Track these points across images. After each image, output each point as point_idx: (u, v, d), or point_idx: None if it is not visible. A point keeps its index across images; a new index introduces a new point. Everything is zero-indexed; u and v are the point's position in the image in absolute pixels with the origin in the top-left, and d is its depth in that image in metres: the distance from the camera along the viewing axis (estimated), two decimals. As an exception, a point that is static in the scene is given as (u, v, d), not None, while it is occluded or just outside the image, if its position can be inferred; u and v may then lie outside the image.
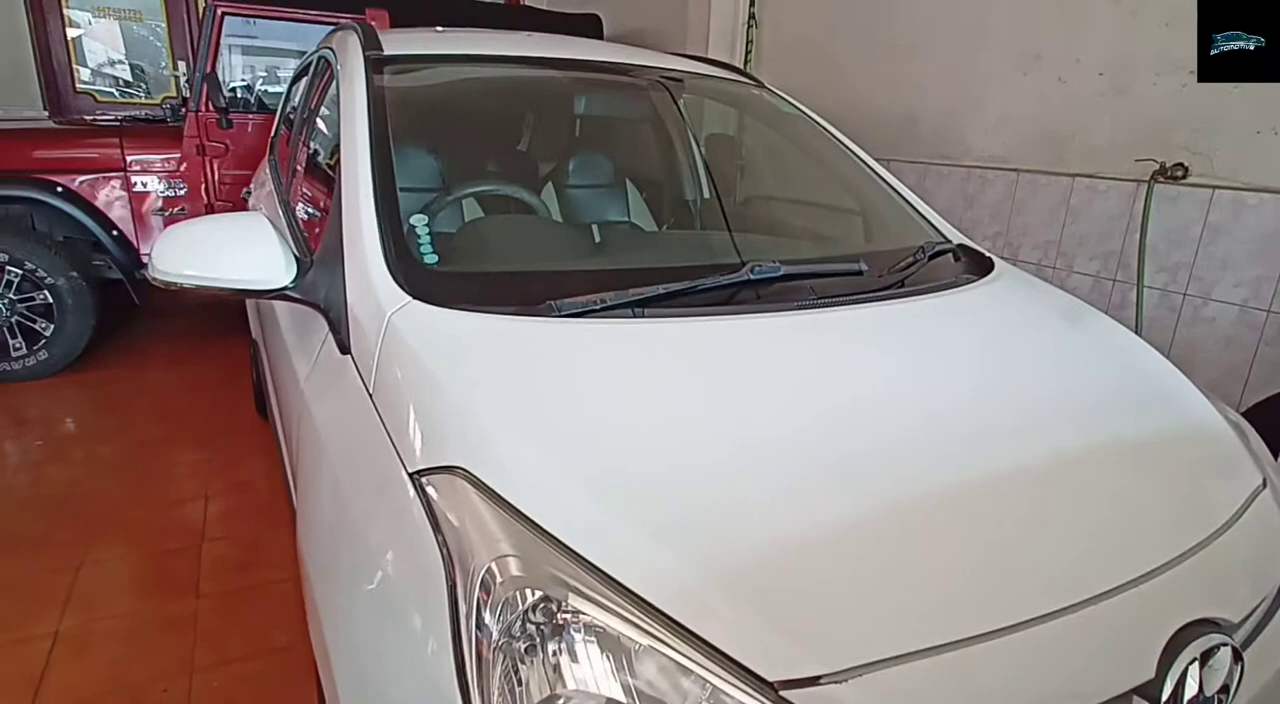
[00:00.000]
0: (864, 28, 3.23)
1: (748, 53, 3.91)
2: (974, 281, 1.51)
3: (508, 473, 0.85)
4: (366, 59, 1.63)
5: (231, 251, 1.27)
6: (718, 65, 2.31)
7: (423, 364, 1.00)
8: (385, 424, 0.98)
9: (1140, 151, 2.25)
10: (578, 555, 0.76)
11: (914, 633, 0.75)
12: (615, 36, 4.69)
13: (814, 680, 0.70)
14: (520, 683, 0.73)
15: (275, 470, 2.69)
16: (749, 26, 3.89)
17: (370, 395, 1.04)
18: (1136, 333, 2.14)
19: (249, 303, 2.92)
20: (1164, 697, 0.79)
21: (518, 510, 0.81)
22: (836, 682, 0.70)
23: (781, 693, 0.69)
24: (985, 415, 1.06)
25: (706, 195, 2.39)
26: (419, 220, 1.31)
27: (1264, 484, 1.12)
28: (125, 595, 2.06)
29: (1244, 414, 1.86)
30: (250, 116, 3.88)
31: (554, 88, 2.15)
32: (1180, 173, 2.17)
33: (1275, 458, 1.79)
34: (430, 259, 1.26)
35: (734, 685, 0.69)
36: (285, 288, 1.28)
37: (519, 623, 0.75)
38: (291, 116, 2.59)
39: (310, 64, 2.40)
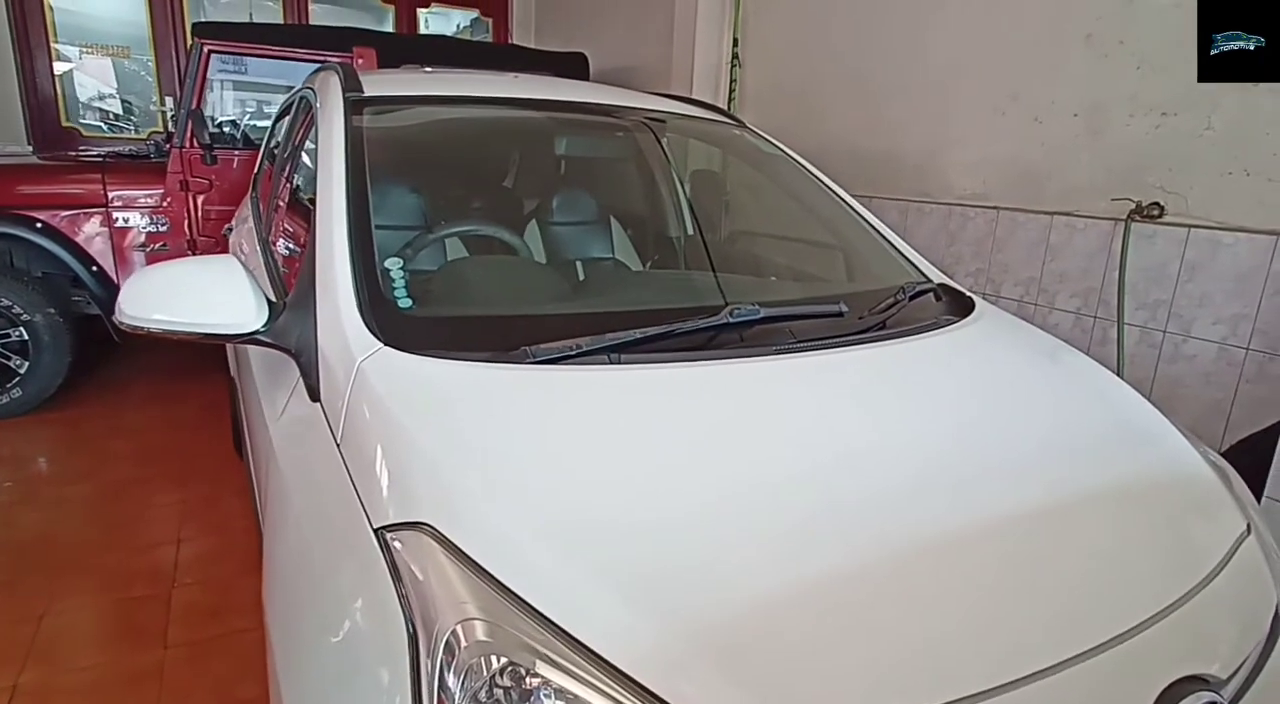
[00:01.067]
0: (844, 69, 3.29)
1: (731, 93, 3.96)
2: (955, 322, 1.50)
3: (476, 530, 0.82)
4: (346, 100, 1.63)
5: (201, 296, 1.24)
6: (700, 106, 2.33)
7: (391, 414, 0.98)
8: (352, 476, 0.95)
9: (1116, 191, 2.27)
10: (546, 619, 0.74)
11: (891, 699, 0.72)
12: (601, 74, 4.75)
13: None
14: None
15: (251, 512, 2.63)
16: (732, 67, 3.95)
17: (338, 445, 1.02)
18: (1118, 370, 2.15)
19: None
20: (1155, 760, 0.77)
21: (485, 571, 0.78)
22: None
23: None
24: (966, 465, 1.04)
25: (690, 232, 2.40)
26: (394, 264, 1.29)
27: (1248, 530, 1.10)
28: (89, 646, 1.98)
29: (1225, 452, 1.86)
30: (235, 152, 3.88)
31: (538, 128, 2.16)
32: (1156, 212, 2.19)
33: (1259, 497, 1.79)
34: (404, 303, 1.24)
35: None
36: (256, 332, 1.25)
37: (485, 689, 0.72)
38: (274, 154, 2.58)
39: (293, 103, 2.41)
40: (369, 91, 1.70)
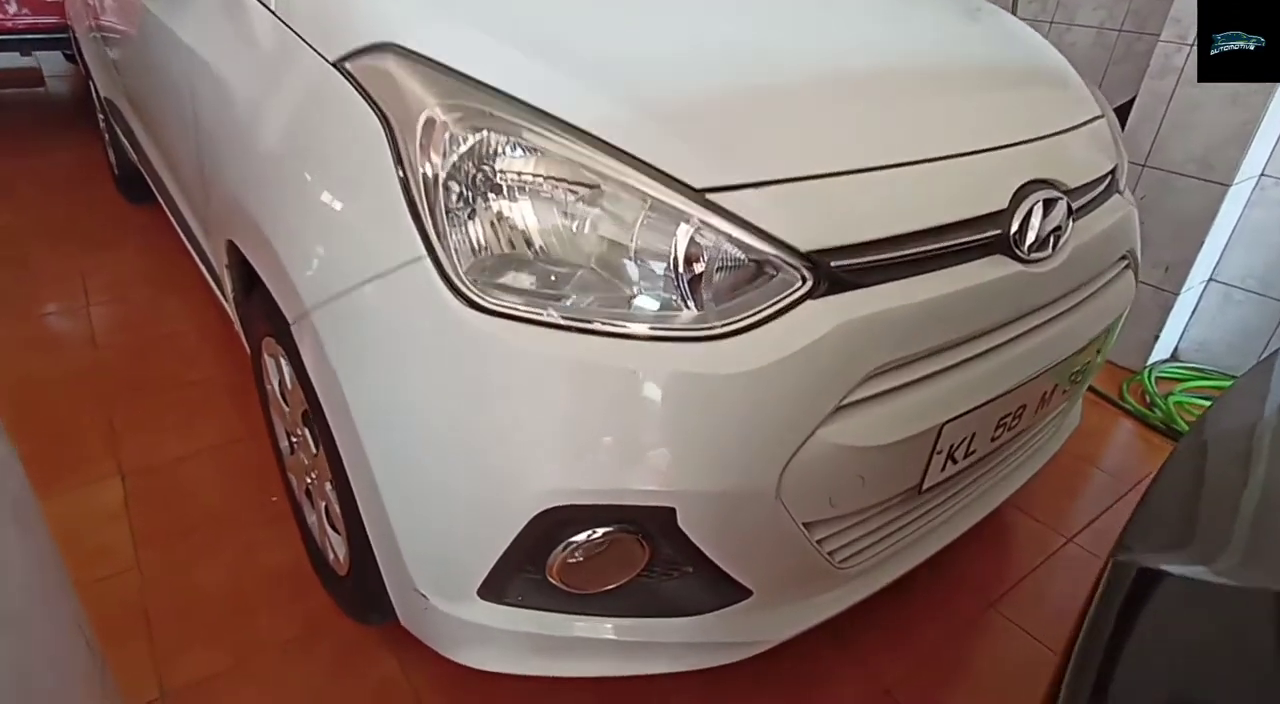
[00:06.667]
0: None
1: None
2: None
3: (437, 42, 0.85)
4: None
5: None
6: None
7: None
8: (295, 29, 0.95)
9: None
10: (514, 98, 0.80)
11: (816, 162, 0.86)
12: None
13: (732, 188, 0.80)
14: (470, 218, 0.79)
15: (156, 243, 2.54)
16: None
17: (272, 11, 1.00)
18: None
19: (94, 58, 2.59)
20: (1014, 226, 0.96)
21: (454, 70, 0.83)
22: (752, 187, 0.81)
23: (707, 196, 0.79)
24: (895, 39, 1.14)
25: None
26: None
27: (1102, 115, 1.29)
28: (7, 352, 1.96)
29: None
30: None
31: None
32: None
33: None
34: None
35: (668, 194, 0.78)
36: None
37: (465, 161, 0.79)
38: None
39: None
40: None
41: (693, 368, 0.77)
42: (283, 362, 1.12)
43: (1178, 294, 2.04)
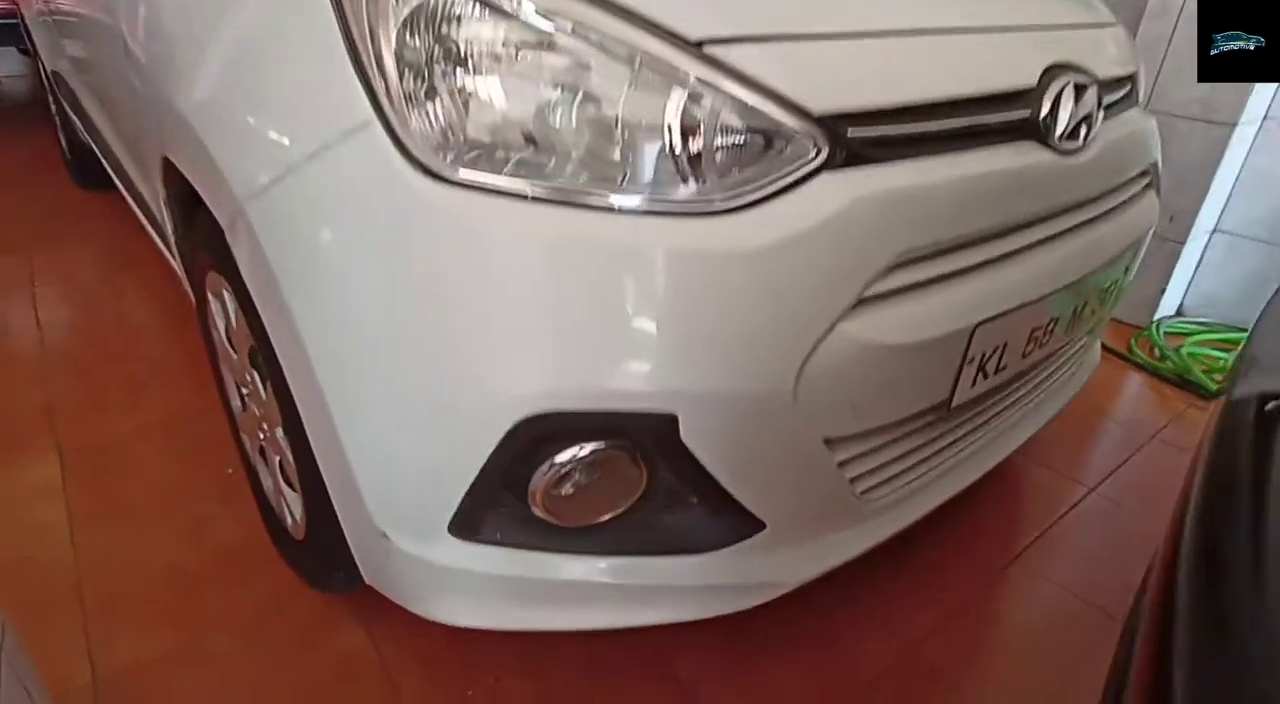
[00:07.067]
0: None
1: None
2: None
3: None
4: None
5: None
6: None
7: None
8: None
9: None
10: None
11: (830, 20, 0.75)
12: None
13: (734, 40, 0.69)
14: (430, 97, 0.67)
15: (106, 227, 2.40)
16: None
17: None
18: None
19: (40, 34, 2.45)
20: (1044, 109, 0.86)
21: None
22: (757, 41, 0.70)
23: (705, 49, 0.68)
24: None
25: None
26: None
27: (1118, 24, 1.21)
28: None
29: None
30: None
31: None
32: None
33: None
34: None
35: (660, 47, 0.67)
36: None
37: (421, 35, 0.68)
38: None
39: None
40: None
41: (694, 245, 0.66)
42: (226, 295, 1.00)
43: (1183, 244, 1.96)
